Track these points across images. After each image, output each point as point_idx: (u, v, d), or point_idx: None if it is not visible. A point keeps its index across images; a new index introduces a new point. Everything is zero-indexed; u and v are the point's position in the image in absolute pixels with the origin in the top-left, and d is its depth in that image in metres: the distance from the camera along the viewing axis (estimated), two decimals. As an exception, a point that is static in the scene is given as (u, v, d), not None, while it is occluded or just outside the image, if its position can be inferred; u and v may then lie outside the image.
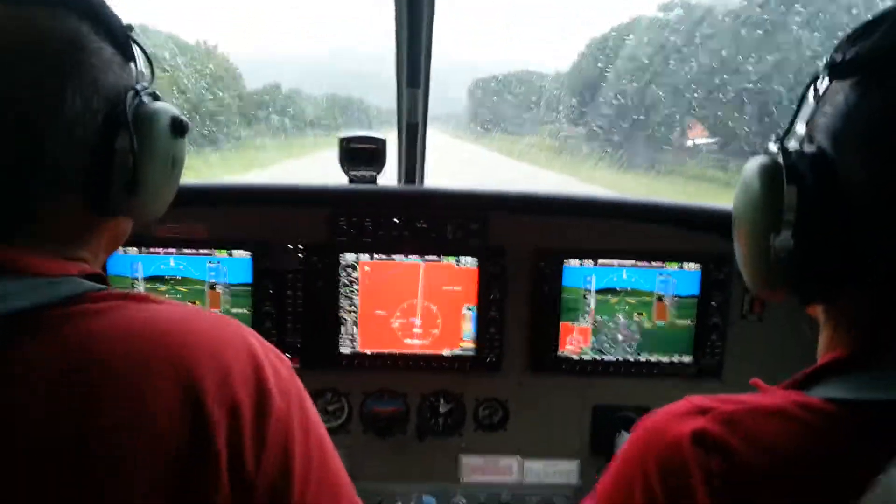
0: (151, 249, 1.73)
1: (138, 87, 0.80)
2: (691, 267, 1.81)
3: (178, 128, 0.85)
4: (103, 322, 0.68)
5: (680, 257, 1.80)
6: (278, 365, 0.77)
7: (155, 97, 0.83)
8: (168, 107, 0.84)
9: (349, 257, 1.79)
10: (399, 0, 1.64)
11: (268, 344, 0.80)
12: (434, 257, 1.80)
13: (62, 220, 0.76)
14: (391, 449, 1.88)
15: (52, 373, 0.64)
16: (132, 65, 0.81)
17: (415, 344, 1.83)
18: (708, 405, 0.68)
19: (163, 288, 1.76)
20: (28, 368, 0.64)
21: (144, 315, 0.71)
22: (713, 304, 1.81)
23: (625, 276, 1.82)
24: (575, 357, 1.85)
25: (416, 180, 2.02)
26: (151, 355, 0.67)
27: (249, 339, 0.77)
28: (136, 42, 0.82)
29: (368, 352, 1.83)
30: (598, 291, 1.82)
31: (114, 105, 0.76)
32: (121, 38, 0.79)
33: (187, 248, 1.74)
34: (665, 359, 1.85)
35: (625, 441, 0.78)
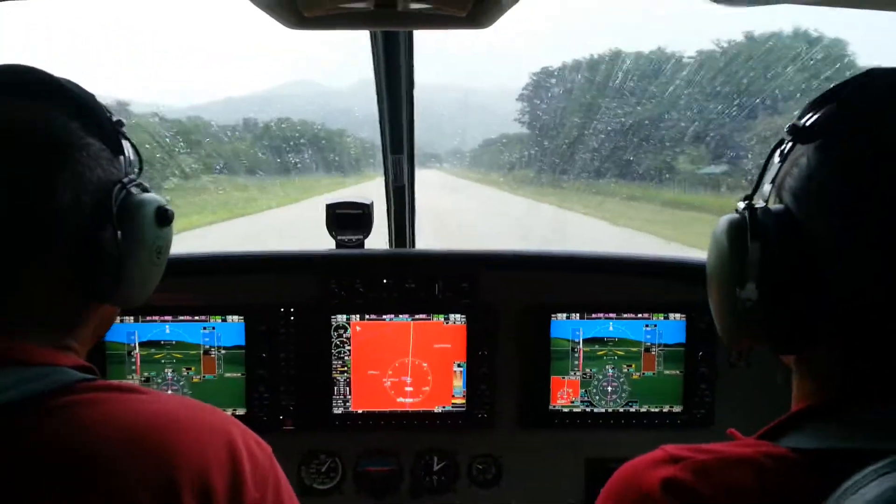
0: (148, 318, 1.78)
1: (126, 179, 0.84)
2: (677, 317, 1.84)
3: (163, 218, 0.89)
4: (90, 414, 0.71)
5: (665, 308, 1.84)
6: (257, 453, 0.80)
7: (142, 188, 0.88)
8: (154, 197, 0.88)
9: (340, 318, 1.83)
10: (377, 68, 1.72)
11: (249, 432, 0.82)
12: (423, 315, 1.83)
13: (53, 309, 0.80)
14: (386, 508, 1.88)
15: (41, 461, 0.67)
16: (121, 157, 0.86)
17: (406, 402, 1.86)
18: (681, 454, 0.71)
19: (158, 354, 1.80)
20: (18, 457, 0.67)
21: (130, 407, 0.74)
22: (700, 353, 1.83)
23: (611, 328, 1.85)
24: (566, 410, 1.86)
25: (407, 242, 2.07)
26: (134, 448, 0.70)
27: (230, 428, 0.79)
28: (124, 136, 0.87)
29: (361, 411, 1.85)
30: (586, 343, 1.85)
31: (102, 198, 0.80)
32: (109, 132, 0.84)
33: (182, 314, 1.79)
34: (655, 409, 1.86)
35: None
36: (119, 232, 0.80)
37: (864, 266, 0.68)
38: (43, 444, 0.67)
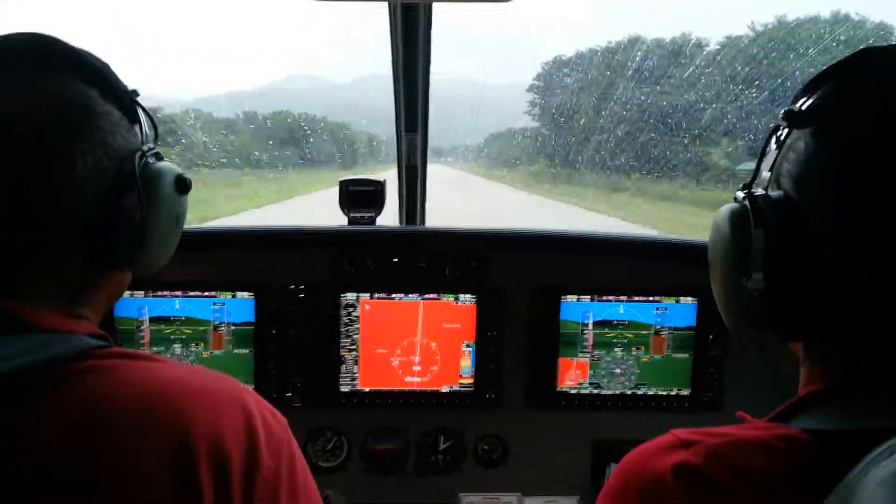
0: (158, 293, 1.78)
1: (144, 147, 0.85)
2: (687, 300, 1.84)
3: (182, 186, 0.90)
4: (106, 380, 0.71)
5: (676, 291, 1.83)
6: (272, 423, 0.79)
7: (158, 157, 0.88)
8: (172, 166, 0.89)
9: (350, 296, 1.82)
10: (395, 44, 1.70)
11: (264, 402, 0.82)
12: (433, 295, 1.83)
13: (68, 276, 0.79)
14: (391, 487, 1.89)
15: (55, 427, 0.66)
16: (137, 127, 0.86)
17: (414, 381, 1.86)
18: (692, 438, 0.70)
19: (168, 329, 1.80)
20: (33, 423, 0.67)
21: (146, 374, 0.74)
22: (710, 336, 1.83)
23: (621, 310, 1.84)
24: (574, 391, 1.87)
25: (417, 221, 2.07)
26: (149, 414, 0.69)
27: (245, 397, 0.79)
28: (140, 105, 0.87)
29: (368, 390, 1.85)
30: (596, 325, 1.85)
31: (122, 165, 0.80)
32: (126, 102, 0.84)
33: (192, 290, 1.79)
34: (664, 392, 1.86)
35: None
36: (142, 199, 0.81)
37: (862, 252, 0.67)
38: (57, 409, 0.67)
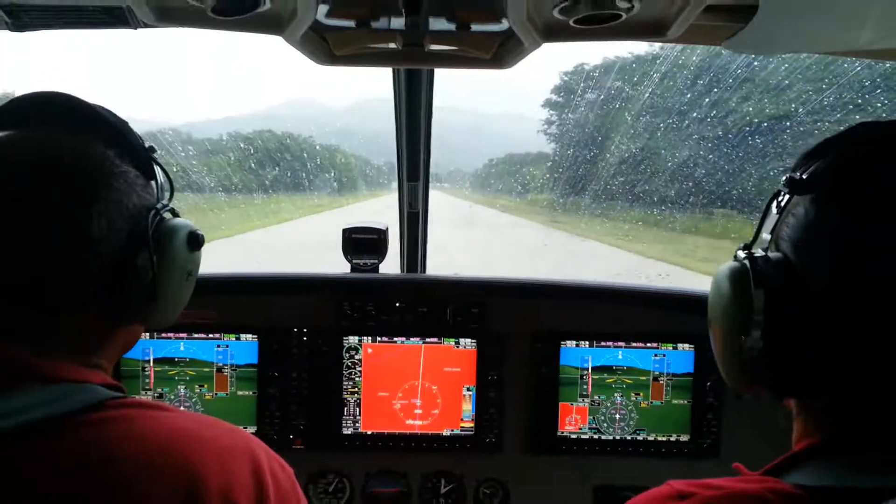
0: (163, 334, 1.81)
1: (159, 205, 0.87)
2: (685, 347, 1.86)
3: (194, 242, 0.92)
4: (119, 430, 0.73)
5: (674, 338, 1.85)
6: (280, 475, 0.82)
7: (174, 213, 0.91)
8: (185, 223, 0.91)
9: (352, 340, 1.85)
10: (398, 100, 1.76)
11: (273, 454, 0.84)
12: (434, 339, 1.86)
13: (84, 329, 0.82)
14: (393, 531, 1.89)
15: (70, 477, 0.68)
16: (153, 183, 0.89)
17: (416, 424, 1.87)
18: (688, 490, 0.72)
19: (172, 371, 1.82)
20: (48, 473, 0.68)
21: (159, 425, 0.76)
22: (708, 383, 1.85)
23: (620, 356, 1.87)
24: (574, 436, 1.88)
25: (418, 267, 2.10)
26: (162, 463, 0.72)
27: (255, 449, 0.81)
28: (156, 162, 0.90)
29: (370, 432, 1.87)
30: (595, 370, 1.87)
31: (136, 223, 0.82)
32: (143, 159, 0.87)
33: (197, 332, 1.82)
34: (663, 438, 1.88)
35: None
36: (154, 256, 0.83)
37: (850, 317, 0.69)
38: (71, 461, 0.69)
